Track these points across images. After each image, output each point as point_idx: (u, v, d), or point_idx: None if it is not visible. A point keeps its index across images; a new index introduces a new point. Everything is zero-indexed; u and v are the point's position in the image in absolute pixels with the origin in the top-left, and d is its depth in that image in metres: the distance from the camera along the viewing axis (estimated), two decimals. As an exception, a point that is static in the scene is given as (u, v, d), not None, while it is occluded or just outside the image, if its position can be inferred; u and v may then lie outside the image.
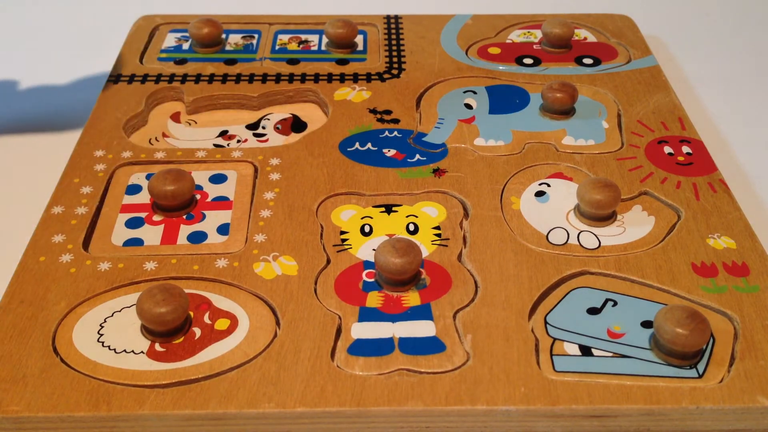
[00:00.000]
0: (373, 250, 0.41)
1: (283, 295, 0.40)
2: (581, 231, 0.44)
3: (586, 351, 0.37)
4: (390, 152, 0.50)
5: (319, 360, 0.37)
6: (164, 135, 0.53)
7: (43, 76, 0.65)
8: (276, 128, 0.54)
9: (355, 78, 0.58)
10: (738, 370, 0.36)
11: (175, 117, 0.55)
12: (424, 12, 0.66)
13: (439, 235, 0.44)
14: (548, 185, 0.48)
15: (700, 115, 0.62)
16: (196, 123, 0.55)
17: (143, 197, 0.47)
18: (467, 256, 0.42)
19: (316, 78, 0.57)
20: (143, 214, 0.46)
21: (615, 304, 0.40)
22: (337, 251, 0.43)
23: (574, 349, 0.38)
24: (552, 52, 0.61)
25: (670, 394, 0.35)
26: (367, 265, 0.42)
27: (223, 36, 0.62)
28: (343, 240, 0.44)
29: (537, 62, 0.60)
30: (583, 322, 0.39)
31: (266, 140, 0.53)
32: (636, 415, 0.35)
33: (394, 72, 0.58)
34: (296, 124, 0.54)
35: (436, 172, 0.48)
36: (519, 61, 0.60)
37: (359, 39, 0.63)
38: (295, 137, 0.53)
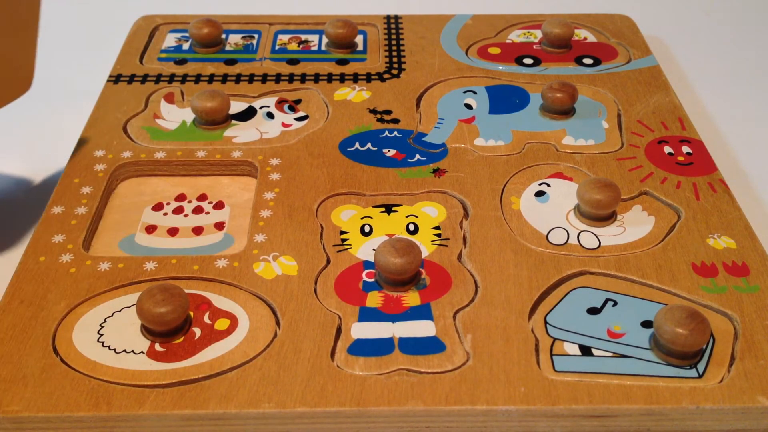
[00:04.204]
0: (373, 250, 0.41)
1: (283, 295, 0.40)
2: (581, 231, 0.44)
3: (586, 351, 0.37)
4: (390, 152, 0.50)
5: (319, 360, 0.37)
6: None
7: (43, 76, 0.65)
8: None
9: (355, 78, 0.58)
10: (738, 370, 0.36)
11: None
12: (424, 12, 0.66)
13: (439, 235, 0.44)
14: (548, 185, 0.48)
15: (700, 115, 0.62)
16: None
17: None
18: (467, 256, 0.42)
19: (316, 78, 0.57)
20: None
21: (615, 304, 0.40)
22: (337, 251, 0.43)
23: (574, 349, 0.38)
24: (552, 52, 0.61)
25: (670, 394, 0.35)
26: (367, 265, 0.42)
27: (223, 36, 0.62)
28: (343, 240, 0.43)
29: (537, 62, 0.60)
30: (583, 322, 0.39)
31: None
32: (636, 415, 0.35)
33: (394, 72, 0.58)
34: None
35: (436, 172, 0.48)
36: (519, 61, 0.60)
37: (359, 39, 0.63)
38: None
